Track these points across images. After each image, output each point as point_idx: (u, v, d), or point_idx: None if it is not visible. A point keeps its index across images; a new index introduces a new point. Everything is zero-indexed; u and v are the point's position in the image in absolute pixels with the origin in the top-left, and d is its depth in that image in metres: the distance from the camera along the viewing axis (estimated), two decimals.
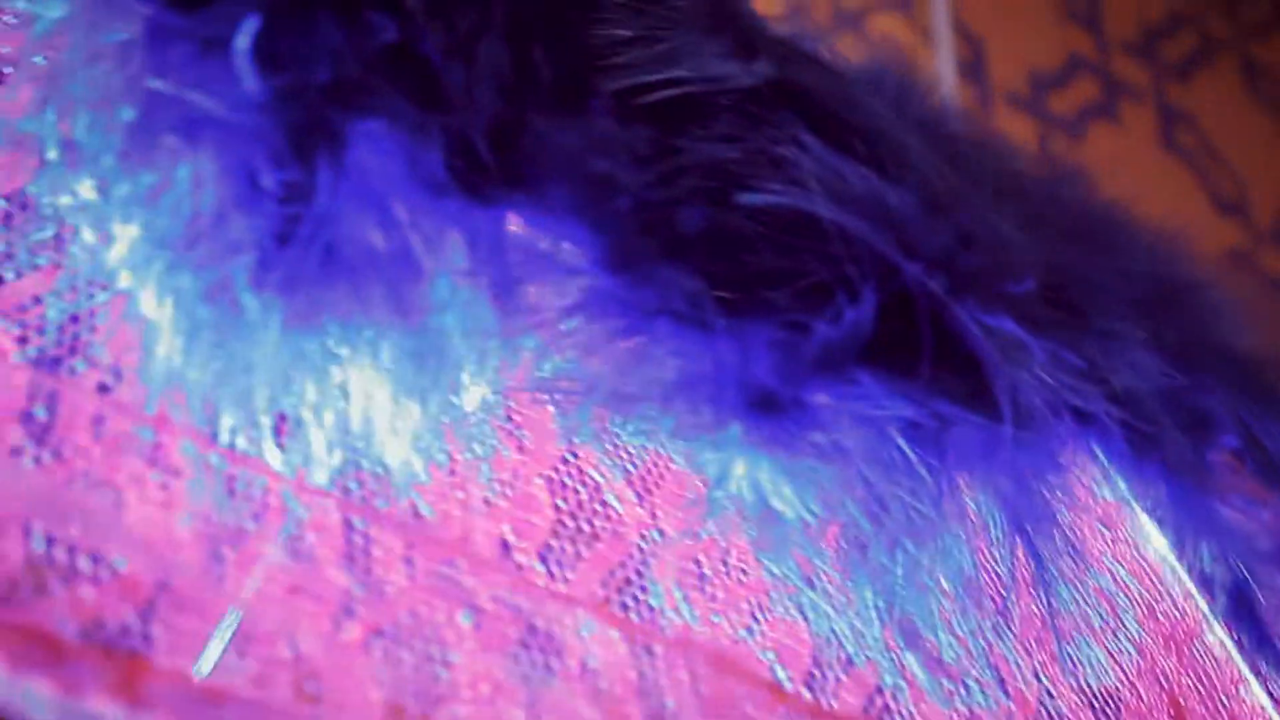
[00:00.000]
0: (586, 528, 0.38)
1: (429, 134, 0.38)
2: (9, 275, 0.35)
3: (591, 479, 0.39)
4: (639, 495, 0.39)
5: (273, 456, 0.34)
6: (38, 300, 0.35)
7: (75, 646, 0.29)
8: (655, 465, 0.40)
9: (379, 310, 0.36)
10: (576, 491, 0.38)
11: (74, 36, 0.37)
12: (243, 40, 0.34)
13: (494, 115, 0.39)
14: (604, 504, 0.38)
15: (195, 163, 0.35)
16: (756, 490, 0.38)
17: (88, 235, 0.36)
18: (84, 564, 0.30)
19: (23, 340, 0.34)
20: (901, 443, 0.39)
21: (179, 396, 0.34)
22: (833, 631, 0.38)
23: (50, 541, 0.31)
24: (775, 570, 0.39)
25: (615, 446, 0.40)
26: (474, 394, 0.37)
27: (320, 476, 0.34)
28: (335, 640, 0.32)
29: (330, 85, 0.36)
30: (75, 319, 0.35)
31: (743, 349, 0.38)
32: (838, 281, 0.38)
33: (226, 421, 0.34)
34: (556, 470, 0.38)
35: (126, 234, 0.35)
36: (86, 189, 0.36)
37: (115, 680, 0.28)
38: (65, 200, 0.36)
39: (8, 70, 0.38)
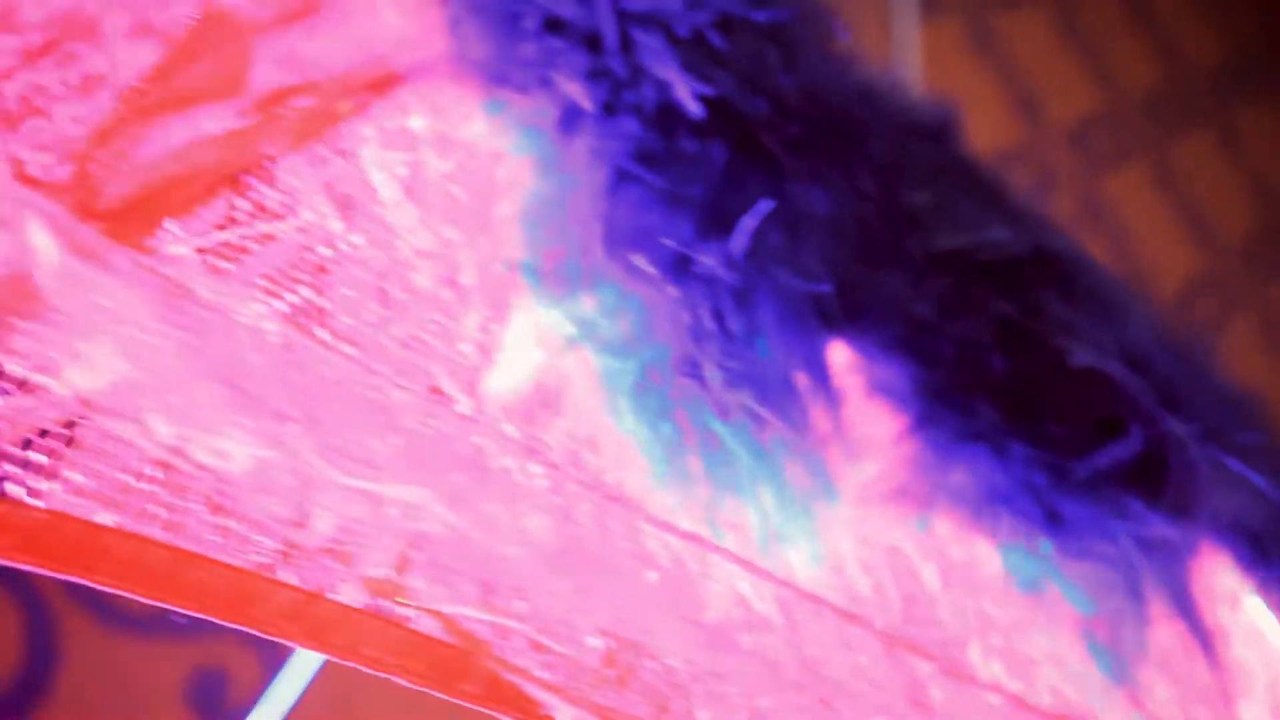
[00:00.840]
0: (913, 608, 0.47)
1: (796, 278, 0.46)
2: (504, 384, 0.41)
3: (912, 569, 0.47)
4: (943, 582, 0.48)
5: (737, 550, 0.41)
6: (534, 409, 0.41)
7: None
8: (944, 555, 0.49)
9: (778, 428, 0.44)
10: (902, 577, 0.47)
11: (541, 178, 0.43)
12: (751, 221, 0.41)
13: (844, 266, 0.47)
14: (921, 584, 0.47)
15: (665, 303, 0.42)
16: (1034, 583, 0.48)
17: (564, 356, 0.42)
18: (639, 659, 0.37)
19: (533, 453, 0.40)
20: (1133, 548, 0.50)
21: (666, 501, 0.41)
22: (1090, 698, 0.49)
23: (611, 638, 0.37)
24: (1047, 644, 0.49)
25: (918, 544, 0.48)
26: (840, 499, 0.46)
27: (766, 568, 0.42)
28: None
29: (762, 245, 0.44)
30: (570, 434, 0.41)
31: (1033, 470, 0.48)
32: (1112, 421, 0.48)
33: (698, 524, 0.41)
34: (889, 562, 0.47)
35: (601, 361, 0.42)
36: (563, 317, 0.42)
37: None
38: (545, 324, 0.42)
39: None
